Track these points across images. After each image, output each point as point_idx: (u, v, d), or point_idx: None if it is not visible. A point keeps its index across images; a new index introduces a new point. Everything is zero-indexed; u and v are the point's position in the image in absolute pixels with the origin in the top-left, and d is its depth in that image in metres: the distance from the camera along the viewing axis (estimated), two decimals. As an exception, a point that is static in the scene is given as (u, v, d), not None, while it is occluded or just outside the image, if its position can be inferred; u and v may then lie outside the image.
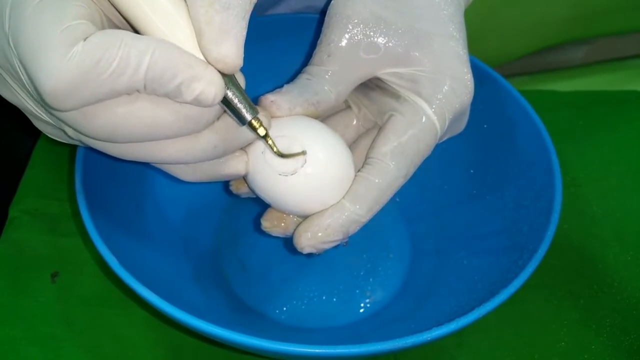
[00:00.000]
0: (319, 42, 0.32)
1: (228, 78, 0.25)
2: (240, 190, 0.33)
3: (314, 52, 0.32)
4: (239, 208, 0.45)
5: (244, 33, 0.24)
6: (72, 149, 0.31)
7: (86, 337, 0.37)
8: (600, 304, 0.41)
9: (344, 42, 0.31)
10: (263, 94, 0.30)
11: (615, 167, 0.48)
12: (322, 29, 0.32)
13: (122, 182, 0.37)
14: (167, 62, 0.23)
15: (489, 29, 0.59)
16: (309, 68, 0.31)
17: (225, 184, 0.34)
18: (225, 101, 0.25)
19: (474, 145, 0.41)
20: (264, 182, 0.29)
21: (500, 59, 0.63)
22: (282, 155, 0.28)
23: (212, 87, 0.24)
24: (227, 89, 0.25)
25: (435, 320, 0.33)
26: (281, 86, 0.31)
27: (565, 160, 0.46)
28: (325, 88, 0.31)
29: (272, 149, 0.28)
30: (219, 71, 0.24)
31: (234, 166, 0.29)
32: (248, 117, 0.26)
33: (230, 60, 0.24)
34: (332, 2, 0.32)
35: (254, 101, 0.27)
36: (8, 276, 0.39)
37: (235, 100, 0.25)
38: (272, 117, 0.29)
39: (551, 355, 0.38)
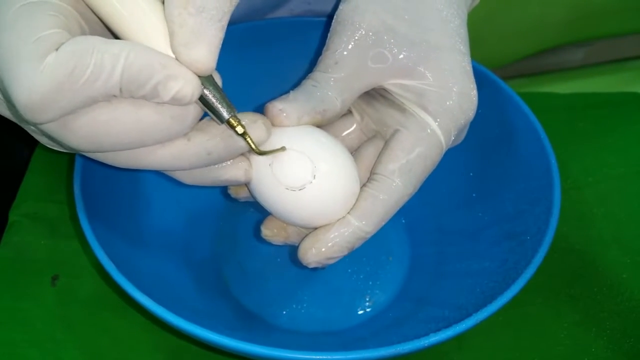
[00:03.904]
0: (325, 48, 0.31)
1: (204, 77, 0.25)
2: (240, 194, 0.33)
3: (320, 58, 0.31)
4: (238, 212, 0.44)
5: (220, 36, 0.24)
6: (70, 154, 0.31)
7: (86, 340, 0.37)
8: (600, 306, 0.41)
9: (351, 50, 0.30)
10: (269, 101, 0.29)
11: (615, 170, 0.48)
12: (329, 34, 0.31)
13: (120, 187, 0.37)
14: (142, 64, 0.22)
15: (488, 31, 0.59)
16: (314, 74, 0.31)
17: (224, 188, 0.34)
18: (204, 100, 0.25)
19: (473, 148, 0.40)
20: (270, 194, 0.29)
21: (499, 61, 0.63)
22: (260, 152, 0.28)
23: (188, 86, 0.23)
24: (204, 87, 0.25)
25: (435, 324, 0.33)
26: (287, 92, 0.30)
27: (565, 163, 0.46)
28: (330, 94, 0.30)
29: (251, 146, 0.27)
30: None
31: (233, 173, 0.29)
32: (225, 115, 0.26)
33: (201, 64, 0.24)
34: (340, 8, 0.31)
35: (259, 108, 0.27)
36: (8, 279, 0.39)
37: (213, 99, 0.25)
38: (279, 126, 0.29)
39: (551, 358, 0.38)
